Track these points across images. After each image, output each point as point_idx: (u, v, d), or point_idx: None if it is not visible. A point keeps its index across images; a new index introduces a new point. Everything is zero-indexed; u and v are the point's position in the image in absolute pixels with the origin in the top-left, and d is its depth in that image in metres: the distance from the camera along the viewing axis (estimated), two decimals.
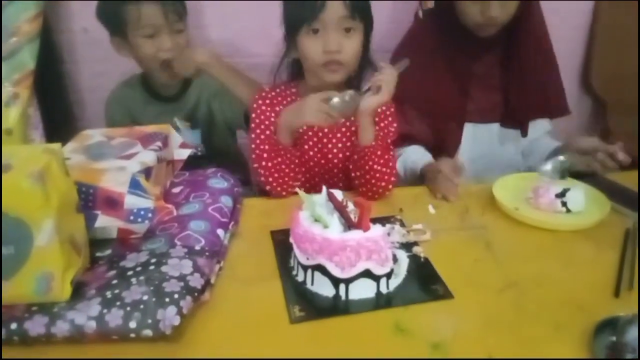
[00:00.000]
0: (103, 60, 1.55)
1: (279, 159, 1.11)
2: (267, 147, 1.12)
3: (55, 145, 0.78)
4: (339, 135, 1.17)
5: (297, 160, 1.14)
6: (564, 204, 1.04)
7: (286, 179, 1.12)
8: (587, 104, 1.77)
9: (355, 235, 0.79)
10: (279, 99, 1.18)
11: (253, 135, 1.15)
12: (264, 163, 1.11)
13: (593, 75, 1.68)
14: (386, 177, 1.10)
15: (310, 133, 1.17)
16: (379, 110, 1.15)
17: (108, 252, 0.86)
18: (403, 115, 1.26)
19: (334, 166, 1.19)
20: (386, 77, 1.05)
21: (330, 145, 1.17)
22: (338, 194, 0.88)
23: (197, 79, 1.37)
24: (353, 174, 1.13)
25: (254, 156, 1.14)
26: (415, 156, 1.29)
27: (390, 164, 1.10)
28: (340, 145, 1.17)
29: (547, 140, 1.35)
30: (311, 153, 1.18)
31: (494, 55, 1.30)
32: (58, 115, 1.52)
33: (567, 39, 1.64)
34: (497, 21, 1.19)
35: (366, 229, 0.81)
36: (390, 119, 1.18)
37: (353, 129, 1.16)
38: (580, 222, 1.02)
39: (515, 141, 1.37)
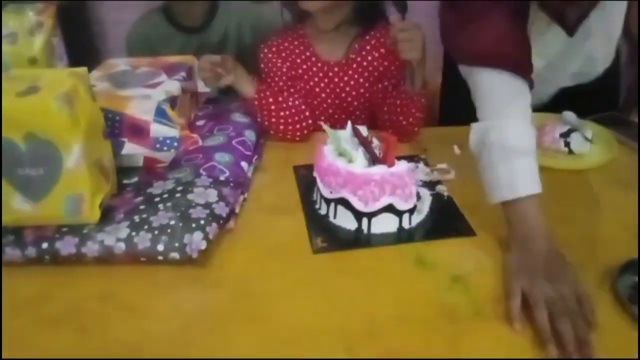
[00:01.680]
0: None
1: (284, 112, 1.09)
2: (270, 99, 1.09)
3: (81, 69, 0.78)
4: (350, 72, 1.14)
5: (303, 107, 1.12)
6: (567, 144, 1.02)
7: (297, 126, 1.11)
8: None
9: (380, 170, 0.79)
10: (286, 44, 1.16)
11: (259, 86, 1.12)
12: (266, 113, 1.09)
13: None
14: (410, 126, 1.07)
15: (321, 74, 1.15)
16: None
17: (135, 179, 0.87)
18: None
19: (349, 105, 1.16)
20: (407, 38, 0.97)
21: (342, 84, 1.14)
22: (363, 129, 0.87)
23: (223, 10, 1.33)
24: (383, 115, 1.11)
25: (257, 105, 1.10)
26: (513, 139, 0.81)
27: (415, 112, 1.06)
28: (352, 83, 1.14)
29: None
30: (323, 95, 1.16)
31: None
32: (81, 48, 1.50)
33: None
34: None
35: (391, 164, 0.80)
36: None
37: (365, 63, 1.13)
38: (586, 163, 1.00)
39: None
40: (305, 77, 1.15)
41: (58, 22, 1.36)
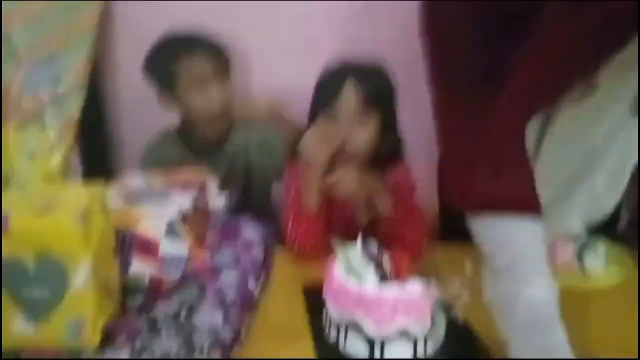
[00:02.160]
0: (145, 110, 1.60)
1: (307, 225, 1.10)
2: (295, 211, 1.12)
3: (98, 188, 0.79)
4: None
5: (324, 225, 1.12)
6: (582, 263, 1.00)
7: (314, 244, 1.10)
8: None
9: (392, 289, 0.77)
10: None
11: (286, 200, 1.17)
12: (291, 226, 1.11)
13: None
14: (414, 239, 1.07)
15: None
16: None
17: (139, 300, 0.85)
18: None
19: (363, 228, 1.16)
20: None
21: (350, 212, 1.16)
22: (373, 245, 0.87)
23: (235, 133, 1.38)
24: (386, 231, 1.10)
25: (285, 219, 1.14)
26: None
27: (417, 224, 1.08)
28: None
29: None
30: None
31: None
32: (97, 162, 1.56)
33: None
34: None
35: (403, 283, 0.78)
36: (403, 178, 1.16)
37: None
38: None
39: None
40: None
41: (76, 139, 1.42)
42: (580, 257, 1.01)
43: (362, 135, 1.09)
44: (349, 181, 1.07)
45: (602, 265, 1.01)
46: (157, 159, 1.39)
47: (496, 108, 0.78)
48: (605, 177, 1.01)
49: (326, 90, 1.10)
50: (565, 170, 1.02)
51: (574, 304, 0.88)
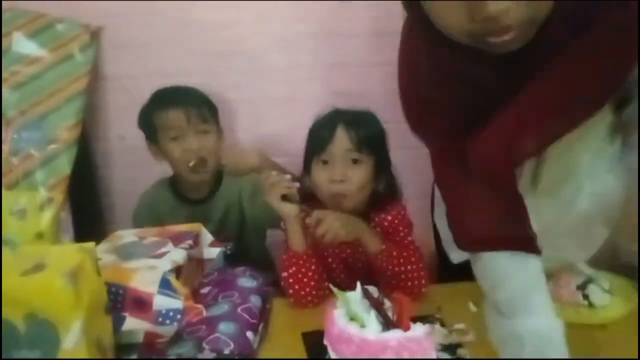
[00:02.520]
0: (136, 166, 1.61)
1: (303, 270, 1.08)
2: (293, 260, 1.09)
3: (89, 245, 0.78)
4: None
5: (320, 270, 1.10)
6: (586, 296, 0.98)
7: (320, 292, 1.07)
8: None
9: (396, 334, 0.74)
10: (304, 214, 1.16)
11: (280, 247, 1.18)
12: (285, 274, 1.08)
13: None
14: (412, 275, 1.06)
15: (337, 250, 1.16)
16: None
17: (133, 356, 0.82)
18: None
19: (363, 267, 1.15)
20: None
21: (349, 251, 1.15)
22: (373, 290, 0.85)
23: (227, 182, 1.39)
24: (381, 281, 1.08)
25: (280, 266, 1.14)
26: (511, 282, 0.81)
27: (413, 260, 1.06)
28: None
29: None
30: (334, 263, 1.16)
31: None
32: (88, 219, 1.54)
33: None
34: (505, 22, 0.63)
35: (406, 328, 0.76)
36: (398, 217, 1.14)
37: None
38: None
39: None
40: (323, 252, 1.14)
41: (67, 196, 1.42)
42: (584, 290, 0.99)
43: (357, 177, 1.10)
44: (330, 222, 1.07)
45: (607, 298, 0.98)
46: (150, 209, 1.40)
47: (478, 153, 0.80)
48: (593, 205, 1.01)
49: (319, 137, 1.11)
50: (558, 203, 1.02)
51: (579, 337, 0.87)
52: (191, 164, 1.30)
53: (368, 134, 1.11)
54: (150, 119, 1.33)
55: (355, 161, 1.09)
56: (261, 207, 1.35)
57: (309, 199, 1.17)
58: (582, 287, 0.99)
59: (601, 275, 1.03)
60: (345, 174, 1.09)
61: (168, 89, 1.36)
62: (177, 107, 1.30)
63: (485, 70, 0.76)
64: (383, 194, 1.15)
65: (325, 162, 1.10)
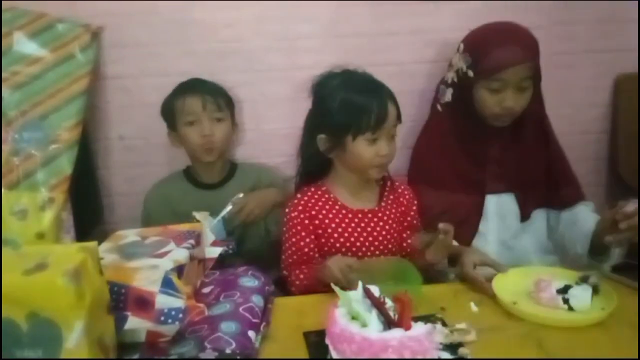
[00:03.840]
0: (136, 165, 1.61)
1: (308, 270, 1.15)
2: (296, 257, 1.18)
3: (91, 244, 0.78)
4: (385, 218, 1.22)
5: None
6: (566, 301, 0.98)
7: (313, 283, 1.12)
8: (618, 194, 1.75)
9: (397, 334, 0.75)
10: (313, 201, 1.22)
11: (286, 245, 1.21)
12: (295, 272, 1.17)
13: (621, 164, 1.68)
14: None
15: (353, 224, 1.20)
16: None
17: (136, 356, 0.82)
18: (421, 195, 1.31)
19: (382, 252, 1.20)
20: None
21: (378, 229, 1.20)
22: (375, 289, 0.85)
23: (242, 171, 1.51)
24: None
25: (283, 264, 1.21)
26: None
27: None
28: (387, 227, 1.22)
29: (584, 214, 1.29)
30: (358, 244, 1.19)
31: (510, 140, 1.34)
32: (89, 219, 1.54)
33: (591, 131, 1.67)
34: (513, 111, 1.25)
35: (408, 327, 0.76)
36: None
37: (394, 210, 1.23)
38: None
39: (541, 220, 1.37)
40: (339, 229, 1.18)
41: (68, 196, 1.42)
42: (564, 294, 0.99)
43: (394, 147, 1.17)
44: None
45: (587, 304, 0.98)
46: (162, 195, 1.48)
47: None
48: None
49: (370, 114, 1.11)
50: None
51: (558, 339, 0.89)
52: (205, 140, 1.40)
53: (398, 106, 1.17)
54: (171, 107, 1.42)
55: (392, 136, 1.16)
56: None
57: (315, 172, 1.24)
58: (562, 291, 0.99)
59: (585, 280, 1.03)
60: (390, 147, 1.15)
61: (190, 80, 1.45)
62: (195, 94, 1.39)
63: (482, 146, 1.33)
64: None
65: (374, 140, 1.13)
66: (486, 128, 1.30)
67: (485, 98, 1.25)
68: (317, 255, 1.19)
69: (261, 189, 1.46)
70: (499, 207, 1.34)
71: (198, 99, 1.39)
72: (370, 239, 1.19)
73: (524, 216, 1.33)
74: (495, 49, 1.22)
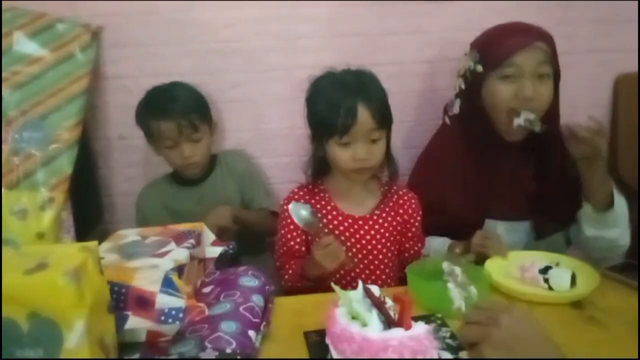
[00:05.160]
0: (136, 165, 1.62)
1: (296, 266, 1.15)
2: (285, 249, 1.19)
3: (92, 244, 0.78)
4: (376, 226, 1.18)
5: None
6: (546, 280, 1.03)
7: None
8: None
9: (397, 333, 0.75)
10: (307, 197, 1.22)
11: (278, 237, 1.21)
12: (285, 266, 1.17)
13: (620, 164, 1.68)
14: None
15: (341, 228, 1.18)
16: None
17: (136, 355, 0.82)
18: (424, 210, 1.25)
19: (374, 258, 1.18)
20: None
21: (368, 237, 1.17)
22: (375, 289, 0.85)
23: (219, 158, 1.54)
24: None
25: (275, 255, 1.21)
26: (436, 242, 1.28)
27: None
28: (379, 236, 1.18)
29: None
30: (348, 244, 1.18)
31: (521, 159, 1.26)
32: (89, 218, 1.55)
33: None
34: (533, 105, 1.14)
35: (408, 327, 0.76)
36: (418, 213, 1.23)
37: (390, 218, 1.19)
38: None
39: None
40: (325, 230, 1.16)
41: (68, 196, 1.42)
42: (545, 274, 1.03)
43: (378, 150, 1.13)
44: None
45: (565, 284, 1.02)
46: (153, 194, 1.52)
47: None
48: None
49: (337, 118, 1.09)
50: None
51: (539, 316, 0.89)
52: (186, 162, 1.43)
53: (384, 109, 1.11)
54: (146, 126, 1.42)
55: (374, 140, 1.11)
56: (250, 188, 1.52)
57: (321, 171, 1.21)
58: (543, 271, 1.04)
59: (564, 261, 1.09)
60: (368, 151, 1.11)
61: (159, 94, 1.42)
62: (169, 120, 1.37)
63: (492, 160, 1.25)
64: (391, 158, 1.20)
65: (346, 143, 1.10)
66: (497, 143, 1.21)
67: (499, 90, 1.15)
68: (304, 250, 1.19)
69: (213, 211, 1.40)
70: (509, 234, 1.26)
71: (173, 125, 1.37)
72: (358, 246, 1.17)
73: (539, 237, 1.28)
74: (504, 36, 1.17)
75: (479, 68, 1.19)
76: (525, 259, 1.10)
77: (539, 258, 1.10)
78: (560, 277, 1.03)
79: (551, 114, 1.19)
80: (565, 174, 1.21)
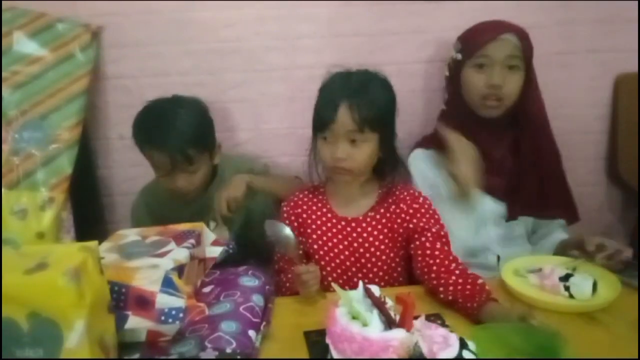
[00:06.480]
0: (136, 164, 1.61)
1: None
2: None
3: (92, 243, 0.78)
4: (369, 229, 1.17)
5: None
6: (567, 288, 1.02)
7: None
8: (618, 194, 1.75)
9: (398, 334, 0.75)
10: (305, 199, 1.22)
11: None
12: (285, 271, 1.18)
13: (620, 164, 1.68)
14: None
15: (334, 230, 1.18)
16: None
17: (136, 355, 0.82)
18: None
19: (367, 262, 1.16)
20: None
21: (360, 240, 1.16)
22: (375, 289, 0.85)
23: (219, 169, 1.42)
24: (447, 298, 1.02)
25: (275, 263, 1.22)
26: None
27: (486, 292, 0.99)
28: (371, 239, 1.16)
29: (557, 233, 1.34)
30: (337, 251, 1.17)
31: (503, 142, 1.33)
32: (89, 218, 1.54)
33: (591, 131, 1.67)
34: (500, 93, 1.25)
35: (409, 328, 0.76)
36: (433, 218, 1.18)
37: (384, 220, 1.17)
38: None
39: (524, 223, 1.36)
40: (319, 232, 1.18)
41: (68, 196, 1.42)
42: (566, 282, 1.02)
43: (360, 153, 1.11)
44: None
45: (587, 292, 1.01)
46: (147, 201, 1.45)
47: None
48: None
49: (321, 115, 1.11)
50: None
51: (559, 325, 0.89)
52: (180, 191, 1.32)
53: (371, 114, 1.08)
54: (139, 146, 1.32)
55: (353, 141, 1.10)
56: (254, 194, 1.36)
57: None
58: (564, 279, 1.02)
59: (586, 267, 1.08)
60: (347, 151, 1.09)
61: (154, 119, 1.29)
62: (162, 151, 1.25)
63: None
64: (387, 166, 1.18)
65: (326, 139, 1.11)
66: (477, 121, 1.30)
67: (472, 76, 1.28)
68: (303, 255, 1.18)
69: (229, 180, 1.32)
70: (482, 208, 1.28)
71: (166, 157, 1.25)
72: (351, 249, 1.16)
73: (511, 217, 1.33)
74: (481, 29, 1.30)
75: (459, 57, 1.32)
76: (540, 264, 1.09)
77: (556, 263, 1.09)
78: (582, 285, 1.01)
79: (527, 102, 1.30)
80: (547, 164, 1.33)
